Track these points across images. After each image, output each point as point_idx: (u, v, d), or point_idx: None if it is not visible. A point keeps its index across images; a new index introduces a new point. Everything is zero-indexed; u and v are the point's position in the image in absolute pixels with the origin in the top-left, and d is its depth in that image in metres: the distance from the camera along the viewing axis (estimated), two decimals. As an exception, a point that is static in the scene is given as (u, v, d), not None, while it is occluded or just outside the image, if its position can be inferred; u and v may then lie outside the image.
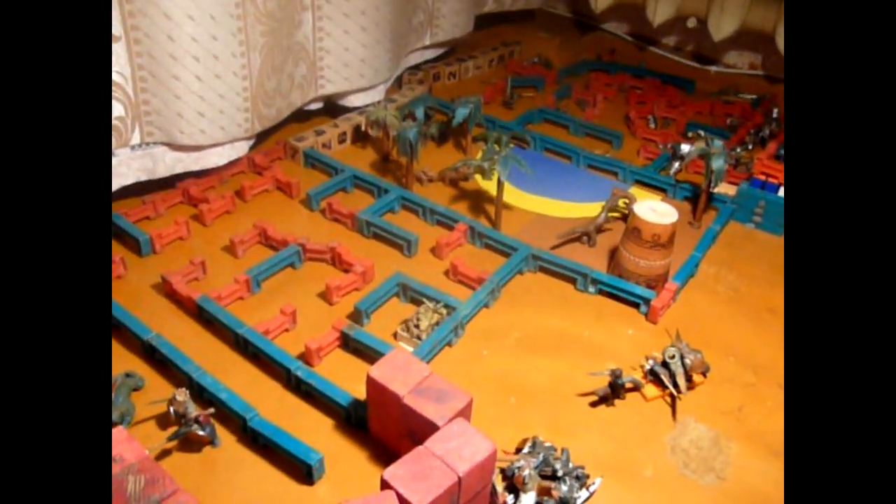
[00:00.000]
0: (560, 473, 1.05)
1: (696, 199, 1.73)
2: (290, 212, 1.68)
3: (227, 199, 1.66)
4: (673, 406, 1.24)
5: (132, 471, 0.90)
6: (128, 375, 1.21)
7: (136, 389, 1.20)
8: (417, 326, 1.30)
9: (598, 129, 2.08)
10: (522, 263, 1.51)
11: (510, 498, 1.02)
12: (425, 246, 1.57)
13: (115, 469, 0.90)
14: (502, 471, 1.07)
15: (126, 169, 1.58)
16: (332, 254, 1.48)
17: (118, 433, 0.95)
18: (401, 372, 1.04)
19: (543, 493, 1.02)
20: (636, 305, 1.44)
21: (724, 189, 1.78)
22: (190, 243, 1.57)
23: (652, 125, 2.13)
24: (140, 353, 1.27)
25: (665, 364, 1.26)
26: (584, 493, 1.06)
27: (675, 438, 1.18)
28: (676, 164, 1.88)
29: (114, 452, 0.92)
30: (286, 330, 1.33)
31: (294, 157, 1.88)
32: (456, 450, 0.93)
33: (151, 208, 1.63)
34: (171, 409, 1.10)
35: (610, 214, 1.67)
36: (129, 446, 0.93)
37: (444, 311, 1.34)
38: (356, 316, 1.33)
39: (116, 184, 1.59)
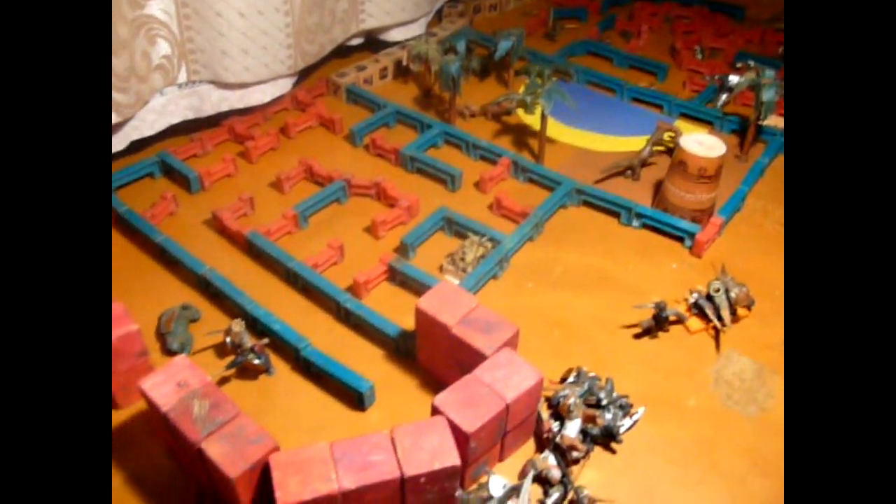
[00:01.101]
0: (604, 402, 1.07)
1: (744, 131, 1.70)
2: (333, 148, 1.70)
3: (272, 136, 1.68)
4: (717, 339, 1.25)
5: (196, 395, 0.94)
6: (185, 308, 1.25)
7: (193, 321, 1.25)
8: (463, 260, 1.32)
9: (643, 61, 2.04)
10: (566, 197, 1.51)
11: (555, 425, 1.05)
12: (469, 180, 1.57)
13: (181, 393, 0.95)
14: (547, 399, 1.10)
15: (174, 107, 1.61)
16: (377, 189, 1.50)
17: (180, 360, 0.99)
18: (449, 303, 1.06)
19: (588, 420, 1.04)
20: (681, 240, 1.44)
21: (774, 121, 1.74)
22: (237, 180, 1.60)
23: (699, 56, 2.08)
24: (195, 286, 1.31)
25: (710, 297, 1.26)
26: (627, 422, 1.08)
27: (718, 370, 1.20)
28: (724, 97, 1.84)
29: (178, 379, 0.97)
30: (334, 263, 1.36)
31: (336, 93, 1.88)
32: (503, 378, 0.96)
33: (199, 146, 1.65)
34: (228, 339, 1.15)
35: (655, 148, 1.65)
36: (191, 373, 0.97)
37: (488, 244, 1.35)
38: (402, 250, 1.36)
39: (164, 122, 1.62)
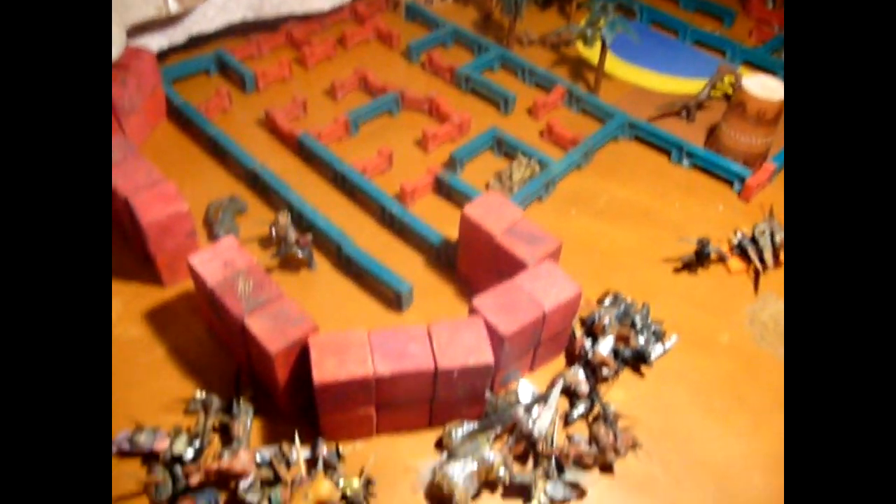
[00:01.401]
0: (639, 326, 1.08)
1: (807, 83, 1.65)
2: (389, 62, 1.69)
3: (328, 44, 1.67)
4: (756, 280, 1.24)
5: (242, 274, 0.97)
6: (232, 199, 1.28)
7: (240, 213, 1.28)
8: (510, 178, 1.32)
9: (710, 5, 1.98)
10: (618, 130, 1.49)
11: (588, 343, 1.06)
12: (522, 106, 1.56)
13: (227, 271, 0.97)
14: (582, 320, 1.11)
15: (235, 6, 1.61)
16: (430, 104, 1.50)
17: (228, 241, 1.02)
18: (494, 212, 1.07)
19: (621, 340, 1.05)
20: (730, 183, 1.42)
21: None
22: (291, 84, 1.60)
23: (770, 5, 2.01)
24: (244, 180, 1.34)
25: (754, 239, 1.25)
26: (659, 348, 1.09)
27: (754, 311, 1.20)
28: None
29: (225, 258, 0.99)
30: (382, 171, 1.37)
31: (396, 9, 1.86)
32: (543, 288, 0.97)
33: (255, 47, 1.66)
34: (273, 230, 1.17)
35: (713, 92, 1.62)
36: (238, 253, 1.00)
37: (536, 166, 1.35)
38: (451, 164, 1.36)
39: (223, 20, 1.62)
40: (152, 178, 1.12)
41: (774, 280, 1.24)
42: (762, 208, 1.32)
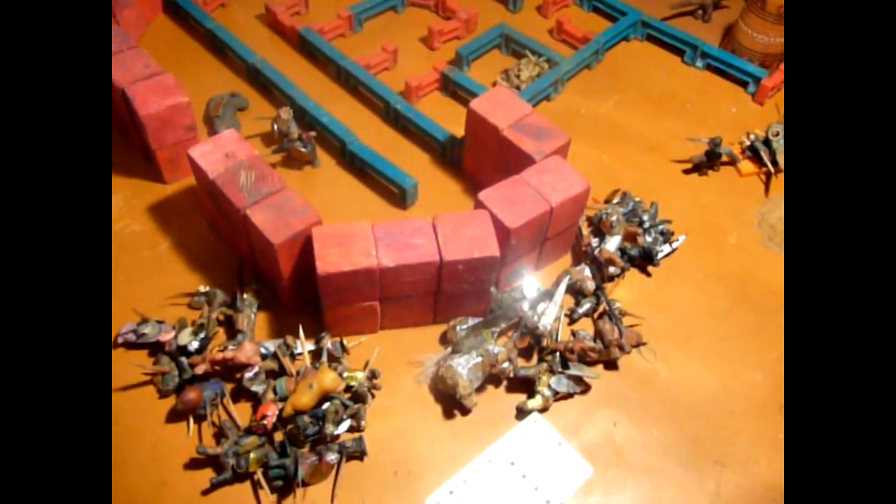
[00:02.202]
0: (647, 225, 1.06)
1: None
2: (393, -44, 1.62)
3: (330, -64, 1.60)
4: (767, 183, 1.22)
5: (244, 166, 0.95)
6: (233, 95, 1.24)
7: (241, 109, 1.25)
8: (518, 76, 1.28)
9: None
10: (630, 29, 1.44)
11: (595, 241, 1.05)
12: (531, 3, 1.51)
13: (228, 163, 0.95)
14: (589, 219, 1.09)
15: None
16: (436, 0, 1.44)
17: (230, 134, 1.00)
18: (502, 107, 1.04)
19: (629, 238, 1.04)
20: (744, 84, 1.38)
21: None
22: (292, -21, 1.54)
23: None
24: (245, 76, 1.30)
25: (767, 142, 1.22)
26: (666, 248, 1.08)
27: (763, 213, 1.18)
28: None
29: (226, 150, 0.97)
30: (386, 68, 1.33)
31: None
32: (550, 183, 0.95)
33: (254, -61, 1.58)
34: (275, 126, 1.14)
35: (731, -10, 1.55)
36: (240, 146, 0.98)
37: (545, 65, 1.31)
38: (457, 61, 1.32)
39: None
40: (150, 70, 1.08)
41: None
42: (777, 110, 1.28)
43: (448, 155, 1.17)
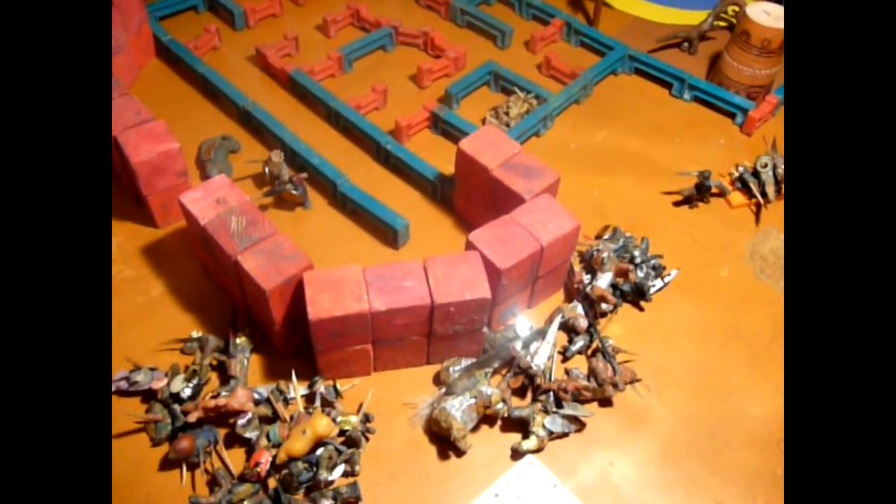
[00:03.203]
0: (638, 260, 1.07)
1: (813, 12, 1.61)
2: (382, -4, 1.64)
3: (320, -22, 1.62)
4: (757, 214, 1.22)
5: (235, 212, 0.95)
6: (225, 138, 1.25)
7: (233, 152, 1.25)
8: (507, 114, 1.29)
9: (714, -67, 1.91)
10: (618, 63, 1.46)
11: (586, 278, 1.05)
12: (519, 39, 1.52)
13: (219, 209, 0.96)
14: (581, 255, 1.09)
15: (221, -63, 1.55)
16: (425, 38, 1.46)
17: (220, 179, 1.00)
18: (491, 146, 1.05)
19: (620, 274, 1.04)
20: (732, 116, 1.39)
21: None
22: (283, 20, 1.56)
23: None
24: (236, 119, 1.31)
25: (756, 173, 1.23)
26: (658, 283, 1.08)
27: (754, 245, 1.18)
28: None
29: (217, 196, 0.98)
30: (376, 108, 1.34)
31: (388, -59, 1.80)
32: (541, 222, 0.95)
33: (245, -18, 1.61)
34: (267, 169, 1.15)
35: (716, 22, 1.57)
36: (231, 191, 0.98)
37: (534, 101, 1.32)
38: (446, 99, 1.33)
39: (211, -47, 1.57)
40: (141, 117, 1.09)
41: (776, 214, 1.22)
42: (765, 142, 1.29)
43: (439, 194, 1.17)
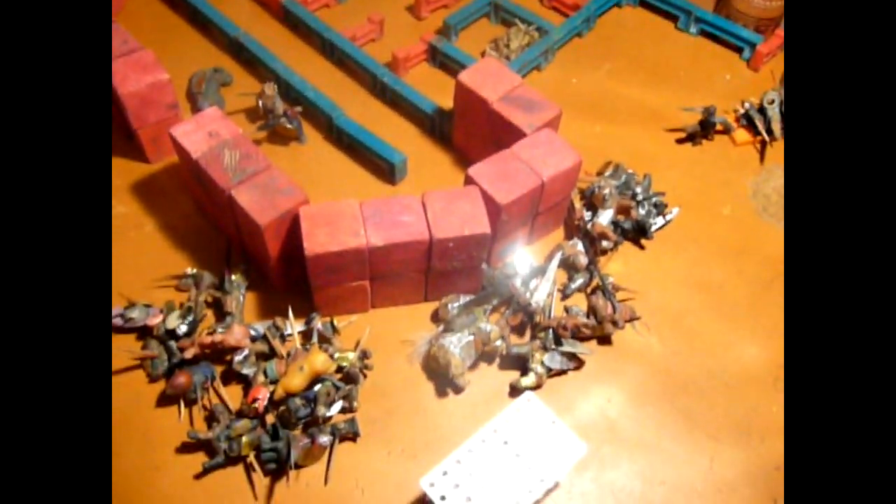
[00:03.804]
0: (640, 198, 1.05)
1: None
2: (378, -77, 1.58)
3: None
4: (762, 152, 1.20)
5: (228, 145, 0.93)
6: (216, 70, 1.21)
7: (224, 84, 1.22)
8: (507, 46, 1.25)
9: None
10: (623, -5, 1.41)
11: (587, 215, 1.03)
12: (521, -30, 1.47)
13: (212, 142, 0.93)
14: (581, 192, 1.07)
15: None
16: (423, -33, 1.41)
17: (213, 112, 0.97)
18: (491, 79, 1.02)
19: (621, 211, 1.03)
20: (739, 50, 1.35)
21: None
22: (275, -52, 1.50)
23: None
24: (227, 50, 1.27)
25: (762, 110, 1.20)
26: (660, 220, 1.06)
27: (758, 183, 1.16)
28: None
29: (209, 129, 0.95)
30: (373, 40, 1.30)
31: None
32: (542, 156, 0.93)
33: None
34: (260, 102, 1.12)
35: (724, -47, 1.52)
36: (223, 124, 0.95)
37: (535, 33, 1.28)
38: (445, 31, 1.29)
39: None
40: (129, 46, 1.05)
41: (781, 152, 1.20)
42: (773, 77, 1.26)
43: (437, 128, 1.14)
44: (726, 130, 1.21)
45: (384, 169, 1.08)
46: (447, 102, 1.12)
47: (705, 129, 1.18)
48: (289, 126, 1.10)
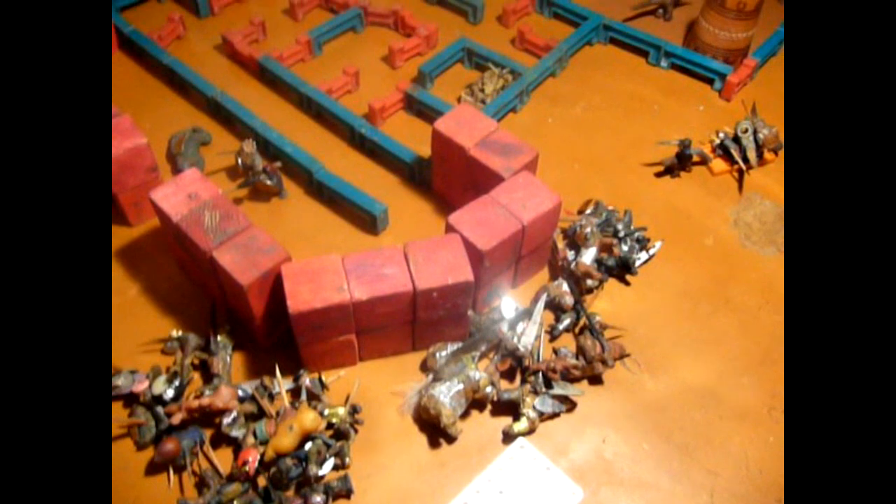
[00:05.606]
0: (622, 234, 1.05)
1: (787, -28, 1.59)
2: (350, -24, 1.61)
3: (284, -40, 1.58)
4: (740, 180, 1.21)
5: (208, 207, 0.93)
6: (195, 130, 1.22)
7: (204, 144, 1.22)
8: (482, 90, 1.27)
9: None
10: (593, 34, 1.43)
11: (570, 254, 1.03)
12: (491, 13, 1.50)
13: (192, 204, 0.93)
14: (564, 231, 1.08)
15: (180, -77, 1.51)
16: (395, 17, 1.43)
17: (192, 174, 0.97)
18: (467, 125, 1.02)
19: (604, 249, 1.03)
20: (710, 81, 1.37)
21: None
22: (248, 6, 1.52)
23: None
24: (205, 110, 1.28)
25: (736, 139, 1.22)
26: (643, 255, 1.07)
27: (738, 212, 1.17)
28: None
29: (189, 191, 0.95)
30: (349, 91, 1.31)
31: (353, -82, 1.76)
32: (521, 200, 0.94)
33: (208, -32, 1.56)
34: (239, 160, 1.12)
35: (690, -13, 1.55)
36: (203, 185, 0.96)
37: (509, 76, 1.30)
38: (420, 79, 1.31)
39: (170, -60, 1.52)
40: (106, 113, 1.06)
41: (758, 179, 1.21)
42: (744, 106, 1.28)
43: (417, 176, 1.15)
44: (703, 161, 1.22)
45: (366, 220, 1.08)
46: (426, 150, 1.12)
47: (682, 161, 1.19)
48: (269, 182, 1.10)
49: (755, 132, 1.21)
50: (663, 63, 1.40)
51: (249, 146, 1.11)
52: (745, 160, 1.20)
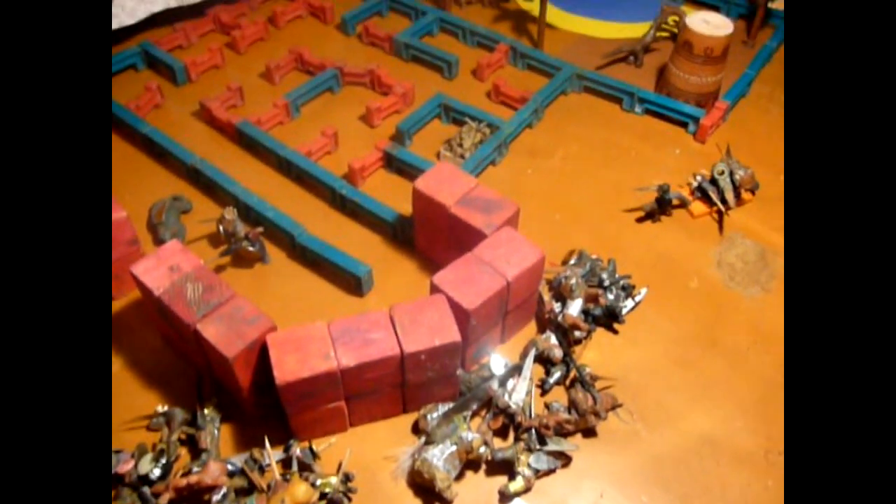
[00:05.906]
0: (606, 283, 1.05)
1: (752, 15, 1.63)
2: (325, 37, 1.63)
3: (259, 25, 1.60)
4: (720, 222, 1.22)
5: (190, 279, 0.92)
6: (175, 199, 1.22)
7: (184, 212, 1.22)
8: (461, 145, 1.28)
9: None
10: (566, 83, 1.45)
11: (557, 306, 1.03)
12: (466, 68, 1.52)
13: (174, 277, 0.92)
14: (549, 282, 1.08)
15: (155, -6, 1.53)
16: (371, 76, 1.45)
17: (173, 245, 0.97)
18: (447, 183, 1.03)
19: (590, 300, 1.03)
20: (684, 125, 1.39)
21: (782, 4, 1.67)
22: (225, 71, 1.53)
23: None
24: (185, 177, 1.28)
25: (713, 181, 1.23)
26: (629, 303, 1.07)
27: (720, 253, 1.18)
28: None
29: (170, 263, 0.94)
30: (328, 152, 1.32)
31: (325, -19, 1.79)
32: (504, 256, 0.94)
33: (183, 36, 1.58)
34: (221, 227, 1.12)
35: (658, 33, 1.58)
36: (184, 257, 0.95)
37: (487, 130, 1.31)
38: (398, 137, 1.32)
39: (146, 10, 1.54)
40: (85, 187, 1.06)
41: (737, 220, 1.22)
42: (719, 148, 1.30)
43: (399, 235, 1.15)
44: (683, 204, 1.23)
45: (351, 282, 1.08)
46: (407, 208, 1.13)
47: (662, 206, 1.20)
48: (251, 249, 1.10)
49: (731, 173, 1.22)
50: (637, 109, 1.43)
51: (231, 213, 1.10)
52: (724, 201, 1.22)
